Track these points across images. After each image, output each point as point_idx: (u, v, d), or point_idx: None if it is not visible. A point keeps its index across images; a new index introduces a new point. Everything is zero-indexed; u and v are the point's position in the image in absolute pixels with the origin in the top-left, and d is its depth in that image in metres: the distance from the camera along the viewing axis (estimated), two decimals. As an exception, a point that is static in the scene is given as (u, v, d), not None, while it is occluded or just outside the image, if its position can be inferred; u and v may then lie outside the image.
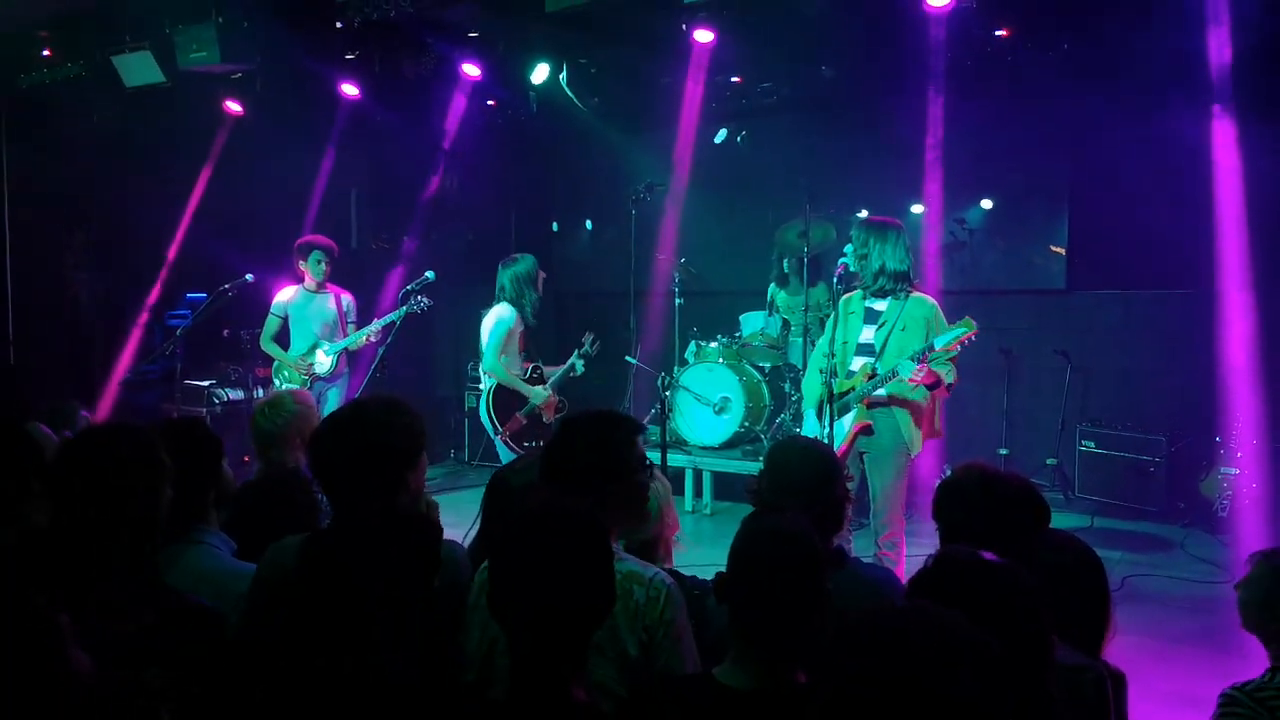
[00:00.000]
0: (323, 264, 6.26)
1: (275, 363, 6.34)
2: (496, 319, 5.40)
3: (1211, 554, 5.84)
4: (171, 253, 8.38)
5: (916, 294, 4.35)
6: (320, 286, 6.31)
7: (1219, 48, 5.76)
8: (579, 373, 5.65)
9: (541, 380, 5.53)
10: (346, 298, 6.45)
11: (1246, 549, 5.48)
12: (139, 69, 6.60)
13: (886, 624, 1.31)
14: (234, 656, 1.99)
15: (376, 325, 6.14)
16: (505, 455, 5.42)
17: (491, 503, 2.41)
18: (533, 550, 1.61)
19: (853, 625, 1.35)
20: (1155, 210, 6.49)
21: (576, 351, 5.64)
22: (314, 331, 6.28)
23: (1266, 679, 2.08)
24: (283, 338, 6.34)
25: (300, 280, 6.32)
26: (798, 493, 2.24)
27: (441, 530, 1.80)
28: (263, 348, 6.36)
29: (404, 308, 5.91)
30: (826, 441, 4.13)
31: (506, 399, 5.45)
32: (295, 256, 6.32)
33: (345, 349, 6.25)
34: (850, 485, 4.18)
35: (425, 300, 5.87)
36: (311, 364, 6.23)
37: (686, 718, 1.77)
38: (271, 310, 6.33)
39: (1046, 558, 1.96)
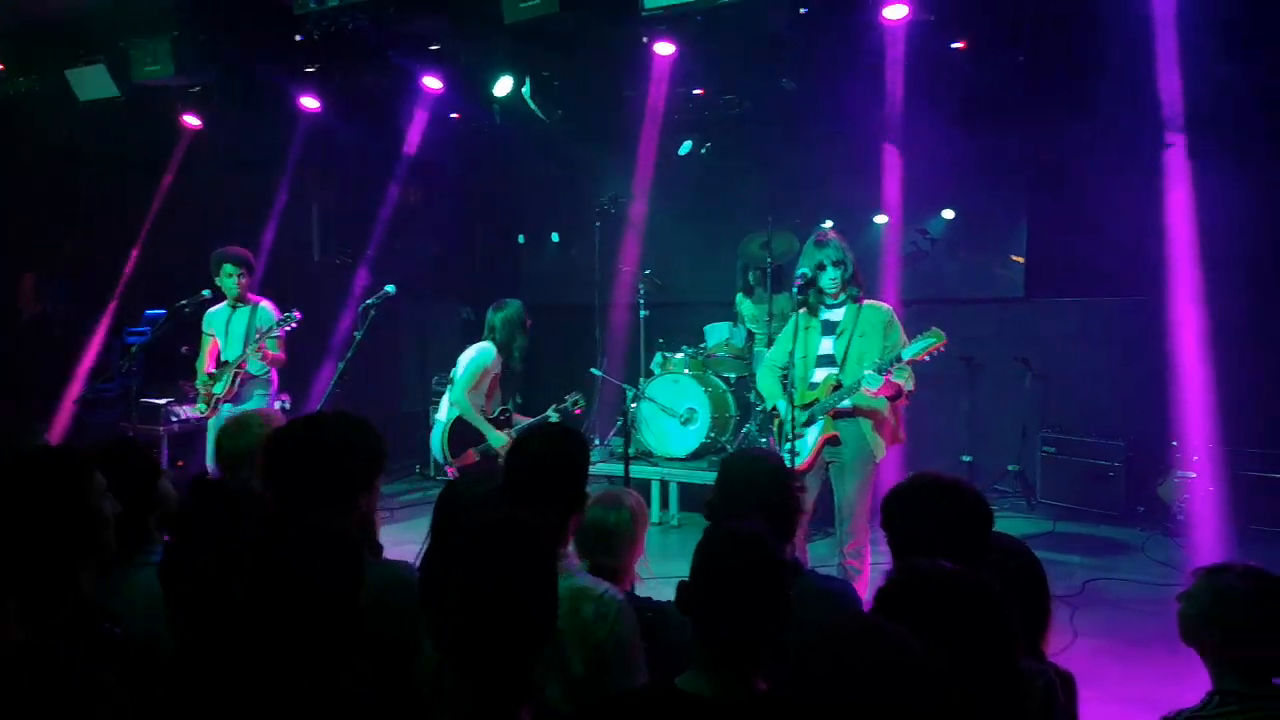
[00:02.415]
0: (235, 278, 5.85)
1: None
2: (478, 352, 5.36)
3: (1170, 557, 5.93)
4: (128, 269, 8.24)
5: (870, 301, 4.41)
6: (239, 301, 5.95)
7: (1168, 69, 5.89)
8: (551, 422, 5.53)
9: (508, 425, 5.42)
10: (263, 307, 5.98)
11: (1203, 551, 5.63)
12: (92, 83, 6.51)
13: (838, 647, 1.32)
14: (175, 677, 1.94)
15: (251, 349, 5.78)
16: None
17: (441, 517, 2.38)
18: (471, 567, 1.59)
19: (807, 648, 1.36)
20: (1109, 219, 6.61)
21: (554, 406, 5.53)
22: (232, 349, 5.95)
23: (1204, 703, 2.08)
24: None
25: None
26: (750, 503, 2.25)
27: (360, 546, 1.76)
28: (198, 368, 6.09)
29: (279, 321, 5.73)
30: (789, 455, 4.14)
31: (464, 434, 5.36)
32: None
33: (235, 370, 5.83)
34: (808, 495, 4.21)
35: (294, 315, 5.69)
36: (210, 383, 5.92)
37: None
38: (203, 328, 6.08)
39: (990, 561, 1.97)
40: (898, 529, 2.16)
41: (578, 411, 5.56)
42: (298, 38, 6.35)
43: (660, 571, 3.43)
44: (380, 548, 2.38)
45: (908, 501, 2.18)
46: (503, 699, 1.57)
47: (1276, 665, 2.03)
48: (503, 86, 7.30)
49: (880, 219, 7.71)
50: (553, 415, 5.46)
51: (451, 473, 5.38)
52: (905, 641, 1.33)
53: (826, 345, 4.38)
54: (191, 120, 7.62)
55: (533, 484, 2.21)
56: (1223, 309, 6.26)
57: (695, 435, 7.10)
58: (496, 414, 5.42)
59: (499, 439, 5.32)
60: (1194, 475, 6.22)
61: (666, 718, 1.77)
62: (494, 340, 5.38)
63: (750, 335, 7.37)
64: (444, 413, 5.46)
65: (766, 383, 4.61)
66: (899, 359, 4.08)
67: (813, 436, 4.29)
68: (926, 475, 2.24)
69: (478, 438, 5.35)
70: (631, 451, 7.22)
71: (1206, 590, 2.14)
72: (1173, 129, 6.10)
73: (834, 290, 4.36)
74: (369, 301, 5.39)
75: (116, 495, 2.20)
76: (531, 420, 5.46)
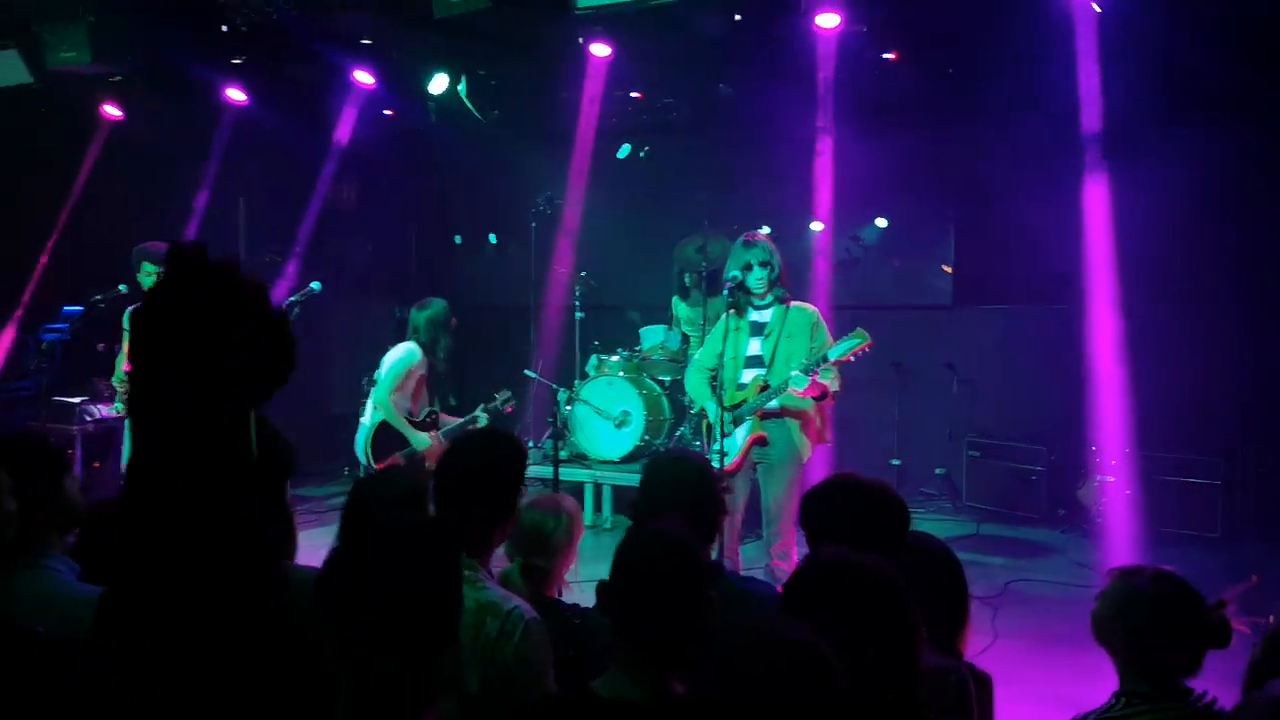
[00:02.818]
0: (155, 277, 5.68)
1: None
2: (404, 353, 5.30)
3: (1089, 558, 6.08)
4: (42, 263, 7.91)
5: (796, 302, 4.45)
6: None
7: (1089, 85, 6.08)
8: (480, 425, 5.44)
9: (434, 427, 5.36)
10: None
11: (1119, 553, 5.79)
12: (5, 69, 6.23)
13: (744, 648, 1.32)
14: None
15: None
16: None
17: (352, 517, 2.32)
18: (393, 568, 1.54)
19: (716, 650, 1.36)
20: (1032, 228, 6.79)
21: (482, 406, 5.49)
22: None
23: (1110, 705, 2.10)
24: None
25: None
26: (673, 504, 2.25)
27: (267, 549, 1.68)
28: (117, 366, 5.90)
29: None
30: (718, 456, 4.16)
31: (388, 439, 5.29)
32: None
33: None
34: (735, 498, 4.23)
35: None
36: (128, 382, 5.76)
37: None
38: (123, 325, 5.94)
39: (906, 559, 1.99)
40: (816, 528, 2.18)
41: (509, 409, 5.51)
42: (223, 28, 6.17)
43: (593, 574, 3.41)
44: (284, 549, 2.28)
45: (824, 500, 2.19)
46: (408, 701, 1.52)
47: (1180, 669, 2.07)
48: (438, 84, 7.21)
49: (816, 225, 7.80)
50: (481, 415, 5.41)
51: None
52: (809, 641, 1.33)
53: (754, 346, 4.41)
54: (112, 110, 7.36)
55: (461, 491, 2.17)
56: (1139, 317, 6.46)
57: (629, 438, 7.08)
58: (424, 416, 5.34)
59: (422, 441, 5.24)
60: (1112, 479, 6.41)
61: None
62: (418, 341, 5.30)
63: (685, 338, 7.39)
64: (368, 415, 5.37)
65: (695, 384, 4.63)
66: (825, 359, 4.13)
67: (740, 437, 4.31)
68: (843, 475, 2.26)
69: (402, 442, 5.27)
70: (565, 454, 7.22)
71: (1119, 591, 2.17)
72: (1090, 139, 6.30)
73: (761, 290, 4.39)
74: (293, 299, 5.28)
75: (16, 492, 2.10)
76: (460, 420, 5.39)
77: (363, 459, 5.38)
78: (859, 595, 1.56)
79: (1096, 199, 6.49)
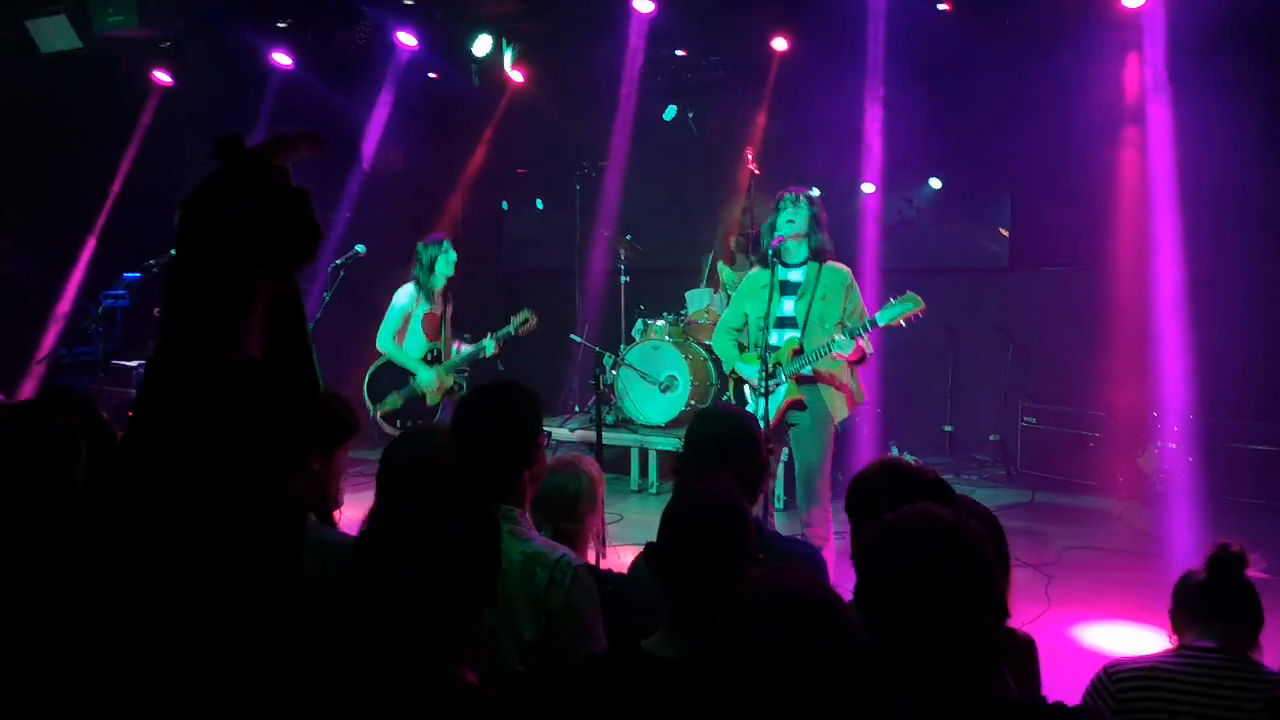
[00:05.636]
0: None
1: None
2: (396, 301, 5.43)
3: (1148, 527, 5.90)
4: (97, 230, 8.07)
5: (831, 262, 4.30)
6: None
7: (1154, 31, 5.79)
8: (489, 354, 5.49)
9: (438, 362, 5.48)
10: None
11: (1182, 522, 5.58)
12: (54, 34, 6.32)
13: (744, 609, 1.27)
14: None
15: None
16: None
17: (383, 480, 2.31)
18: (407, 522, 1.51)
19: (741, 610, 1.30)
20: (1092, 187, 6.53)
21: (490, 334, 5.49)
22: None
23: (1151, 664, 2.04)
24: None
25: None
26: (717, 460, 2.20)
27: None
28: None
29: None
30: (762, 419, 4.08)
31: (386, 377, 5.47)
32: None
33: None
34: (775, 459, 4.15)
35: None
36: None
37: (613, 693, 1.73)
38: None
39: None
40: (857, 515, 2.11)
41: (528, 329, 5.48)
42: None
43: (640, 538, 3.38)
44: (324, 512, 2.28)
45: (866, 488, 2.12)
46: (446, 664, 1.48)
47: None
48: (482, 46, 7.15)
49: (867, 187, 7.61)
50: (488, 344, 5.43)
51: (377, 418, 5.46)
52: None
53: (787, 306, 4.27)
54: (162, 76, 7.43)
55: (482, 443, 2.14)
56: (1204, 280, 6.20)
57: (675, 403, 7.02)
58: (425, 354, 5.50)
59: (423, 377, 5.41)
60: (1174, 446, 6.19)
61: (634, 682, 1.72)
62: (413, 279, 5.39)
63: (731, 302, 7.28)
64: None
65: (722, 345, 4.54)
66: (875, 324, 4.00)
67: (777, 400, 4.22)
68: (887, 461, 2.21)
69: (401, 381, 5.48)
70: (611, 419, 7.20)
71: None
72: (1152, 91, 6.01)
73: (793, 233, 4.21)
74: (338, 262, 5.30)
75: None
76: (470, 350, 5.46)
77: (367, 402, 5.52)
78: (944, 558, 1.47)
79: (1162, 155, 6.21)
